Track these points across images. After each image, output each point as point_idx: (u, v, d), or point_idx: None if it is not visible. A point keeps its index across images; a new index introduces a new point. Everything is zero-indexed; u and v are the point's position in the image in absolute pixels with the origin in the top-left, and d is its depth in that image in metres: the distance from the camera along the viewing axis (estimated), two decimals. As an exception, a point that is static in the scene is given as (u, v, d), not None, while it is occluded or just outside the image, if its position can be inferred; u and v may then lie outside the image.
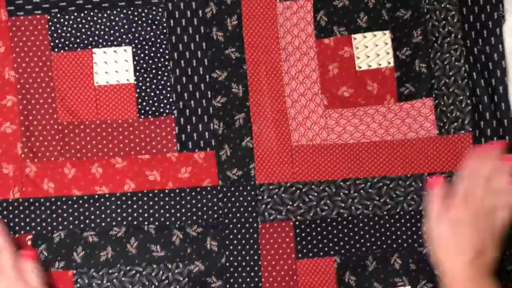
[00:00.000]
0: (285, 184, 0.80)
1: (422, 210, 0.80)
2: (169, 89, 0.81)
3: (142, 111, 0.81)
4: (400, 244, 0.80)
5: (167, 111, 0.81)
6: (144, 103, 0.81)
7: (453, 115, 0.82)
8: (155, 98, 0.81)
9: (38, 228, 0.79)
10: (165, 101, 0.81)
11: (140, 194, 0.80)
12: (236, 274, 0.79)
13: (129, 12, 0.80)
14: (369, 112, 0.81)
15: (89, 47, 0.80)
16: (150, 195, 0.80)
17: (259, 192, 0.80)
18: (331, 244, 0.80)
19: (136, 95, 0.81)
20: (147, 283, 0.79)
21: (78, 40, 0.80)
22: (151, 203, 0.80)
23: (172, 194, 0.80)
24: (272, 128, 0.81)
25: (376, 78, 0.81)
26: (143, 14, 0.80)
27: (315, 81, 0.81)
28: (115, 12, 0.80)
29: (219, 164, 0.81)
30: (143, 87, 0.81)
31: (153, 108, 0.81)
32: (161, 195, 0.80)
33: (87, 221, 0.79)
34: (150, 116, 0.81)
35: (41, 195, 0.79)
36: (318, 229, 0.80)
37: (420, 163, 0.81)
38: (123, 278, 0.79)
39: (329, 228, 0.80)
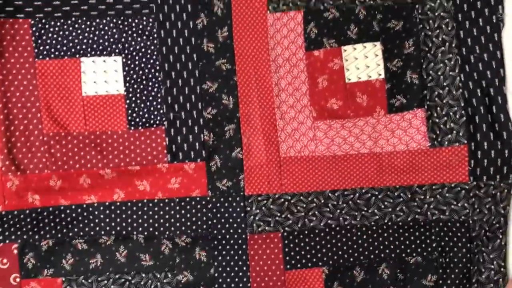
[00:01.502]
0: (274, 195, 0.81)
1: (411, 221, 0.81)
2: (159, 100, 0.80)
3: (132, 122, 0.79)
4: (388, 254, 0.81)
5: (157, 122, 0.80)
6: (134, 114, 0.80)
7: (446, 127, 0.80)
8: (145, 109, 0.80)
9: (25, 237, 0.77)
10: (155, 112, 0.80)
11: (129, 204, 0.79)
12: (224, 285, 0.80)
13: (119, 21, 0.79)
14: (358, 123, 0.81)
15: (77, 55, 0.78)
16: (140, 204, 0.79)
17: (248, 203, 0.80)
18: (319, 255, 0.81)
19: (126, 105, 0.79)
20: None
21: (64, 48, 0.78)
22: (140, 212, 0.79)
23: (161, 204, 0.80)
24: (261, 139, 0.81)
25: (366, 90, 0.81)
26: (133, 24, 0.79)
27: (304, 93, 0.82)
28: (104, 21, 0.78)
29: (209, 175, 0.81)
30: (133, 98, 0.80)
31: (143, 119, 0.80)
32: (150, 204, 0.80)
33: (76, 229, 0.78)
34: (140, 127, 0.79)
35: (26, 207, 0.77)
36: (307, 239, 0.81)
37: (410, 175, 0.81)
38: (112, 286, 0.78)
39: (317, 239, 0.81)
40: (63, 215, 0.78)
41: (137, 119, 0.79)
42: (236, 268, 0.80)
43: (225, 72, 0.81)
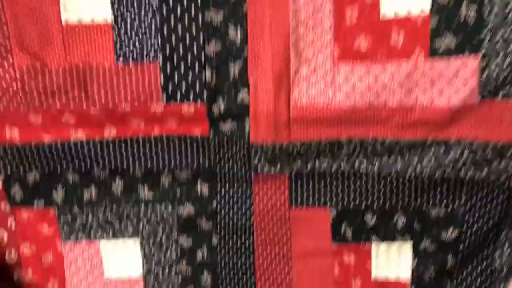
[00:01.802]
0: (281, 144, 0.72)
1: (438, 176, 0.69)
2: (153, 30, 0.68)
3: (121, 56, 0.69)
4: (406, 204, 0.73)
5: (151, 56, 0.69)
6: (124, 46, 0.69)
7: (507, 80, 0.62)
8: (136, 41, 0.69)
9: (8, 171, 0.72)
10: (149, 44, 0.69)
11: (123, 139, 0.73)
12: (227, 219, 0.77)
13: None
14: (388, 68, 0.67)
15: (55, -29, 0.66)
16: (135, 141, 0.73)
17: (253, 148, 0.73)
18: (328, 195, 0.75)
19: (114, 36, 0.68)
20: (135, 221, 0.77)
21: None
22: (135, 149, 0.74)
23: (159, 141, 0.74)
24: (271, 82, 0.70)
25: (404, 28, 0.65)
26: None
27: (327, 29, 0.68)
28: None
29: (211, 119, 0.72)
30: (123, 27, 0.68)
31: (134, 53, 0.69)
32: (147, 141, 0.73)
33: (64, 163, 0.73)
34: (130, 62, 0.69)
35: (4, 142, 0.71)
36: (316, 180, 0.74)
37: (447, 130, 0.67)
38: (109, 216, 0.76)
39: (328, 180, 0.74)
40: (47, 151, 0.72)
41: (127, 52, 0.69)
42: (239, 203, 0.76)
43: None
